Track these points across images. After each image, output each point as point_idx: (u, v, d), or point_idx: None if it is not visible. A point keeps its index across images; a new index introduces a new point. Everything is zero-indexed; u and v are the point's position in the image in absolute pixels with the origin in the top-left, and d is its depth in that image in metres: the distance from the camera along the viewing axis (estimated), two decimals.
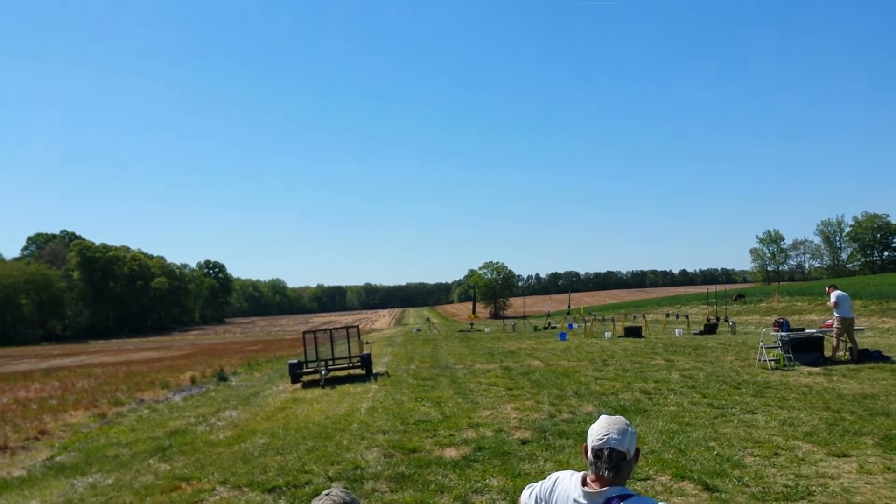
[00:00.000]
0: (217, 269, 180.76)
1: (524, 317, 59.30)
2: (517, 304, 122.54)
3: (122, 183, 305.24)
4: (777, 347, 15.38)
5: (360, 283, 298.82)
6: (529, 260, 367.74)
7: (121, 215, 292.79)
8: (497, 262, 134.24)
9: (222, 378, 19.66)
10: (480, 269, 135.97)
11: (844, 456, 6.96)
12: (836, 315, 15.16)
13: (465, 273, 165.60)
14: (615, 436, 2.24)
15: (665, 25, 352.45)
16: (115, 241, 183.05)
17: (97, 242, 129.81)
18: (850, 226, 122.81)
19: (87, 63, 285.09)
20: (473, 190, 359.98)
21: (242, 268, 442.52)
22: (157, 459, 9.03)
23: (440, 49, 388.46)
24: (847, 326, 15.16)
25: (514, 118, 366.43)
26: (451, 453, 7.99)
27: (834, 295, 15.35)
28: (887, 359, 14.99)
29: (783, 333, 15.34)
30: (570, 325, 39.77)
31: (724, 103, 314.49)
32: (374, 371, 17.74)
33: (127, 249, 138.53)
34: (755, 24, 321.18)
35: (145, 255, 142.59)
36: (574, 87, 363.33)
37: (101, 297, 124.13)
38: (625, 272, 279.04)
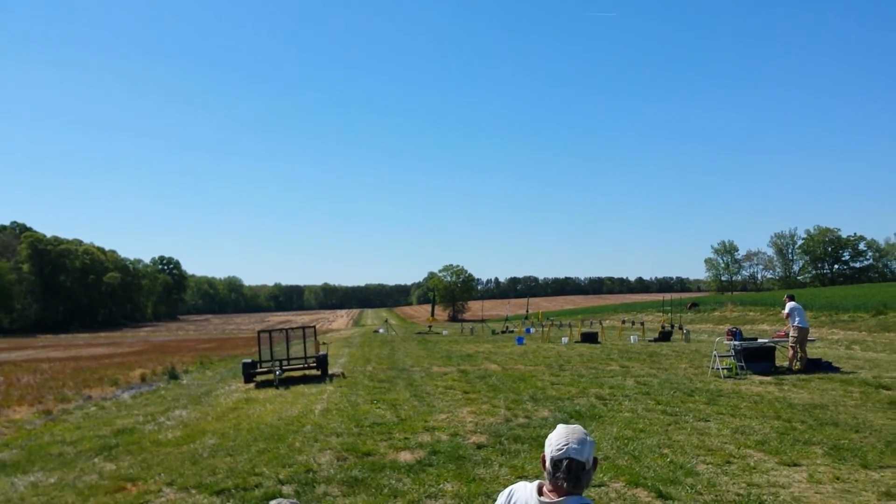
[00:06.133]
0: (171, 265, 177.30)
1: (482, 320, 59.41)
2: (476, 308, 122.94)
3: (75, 175, 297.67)
4: (730, 356, 15.61)
5: (319, 282, 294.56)
6: (489, 264, 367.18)
7: (74, 208, 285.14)
8: (457, 266, 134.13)
9: (173, 376, 19.26)
10: (440, 271, 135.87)
11: (795, 465, 7.05)
12: (792, 325, 15.41)
13: (425, 275, 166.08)
14: (575, 445, 2.19)
15: (628, 38, 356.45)
16: (67, 233, 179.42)
17: (49, 235, 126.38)
18: (803, 239, 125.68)
19: (39, 56, 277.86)
20: (435, 192, 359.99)
21: (198, 264, 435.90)
22: (102, 458, 8.77)
23: (407, 52, 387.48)
24: (802, 337, 15.43)
25: (479, 123, 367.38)
26: (405, 457, 7.90)
27: (788, 306, 15.63)
28: (836, 369, 15.28)
29: (736, 342, 15.58)
30: (528, 330, 39.94)
31: (685, 115, 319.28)
32: (330, 372, 17.54)
33: (79, 243, 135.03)
34: (714, 35, 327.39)
35: (98, 248, 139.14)
36: (536, 95, 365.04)
37: (51, 290, 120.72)
38: (583, 278, 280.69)
